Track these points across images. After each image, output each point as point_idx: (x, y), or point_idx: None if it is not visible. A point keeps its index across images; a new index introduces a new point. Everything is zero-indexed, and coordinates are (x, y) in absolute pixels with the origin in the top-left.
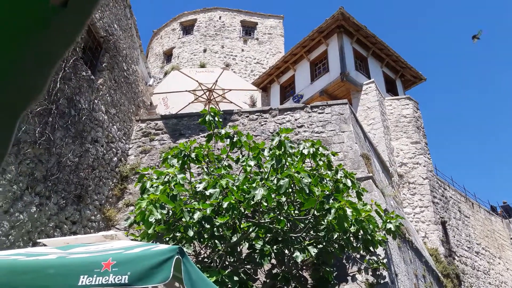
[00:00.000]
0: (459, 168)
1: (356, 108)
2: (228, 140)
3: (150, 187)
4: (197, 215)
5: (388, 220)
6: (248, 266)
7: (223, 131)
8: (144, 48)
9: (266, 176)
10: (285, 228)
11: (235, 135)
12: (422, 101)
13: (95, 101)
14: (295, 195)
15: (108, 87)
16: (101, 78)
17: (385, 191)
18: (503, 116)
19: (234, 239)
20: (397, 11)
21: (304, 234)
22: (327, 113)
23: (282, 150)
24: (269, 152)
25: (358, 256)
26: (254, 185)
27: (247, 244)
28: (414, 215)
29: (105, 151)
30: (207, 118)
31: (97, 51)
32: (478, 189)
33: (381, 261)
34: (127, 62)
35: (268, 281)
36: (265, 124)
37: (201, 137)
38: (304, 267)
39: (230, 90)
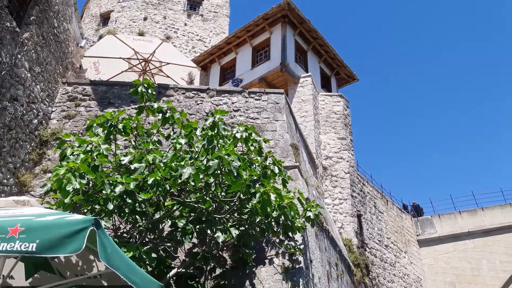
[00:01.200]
0: (379, 167)
1: (291, 99)
2: (161, 115)
3: (70, 155)
4: (119, 189)
5: (308, 209)
6: (169, 244)
7: (155, 105)
8: (80, 7)
9: (196, 156)
10: (210, 208)
11: (168, 111)
12: (352, 100)
13: (18, 56)
14: (223, 177)
15: (34, 42)
16: (27, 32)
17: (309, 181)
18: (424, 120)
19: (157, 216)
20: (342, 10)
21: (228, 216)
22: (263, 101)
23: (215, 131)
24: (201, 132)
25: (277, 240)
26: (182, 163)
27: (169, 222)
28: (333, 206)
29: (24, 111)
30: (139, 89)
31: (26, 2)
32: (393, 188)
33: (298, 246)
34: (58, 18)
35: (187, 259)
36: (201, 103)
37: (132, 108)
38: (225, 248)
39: (168, 63)
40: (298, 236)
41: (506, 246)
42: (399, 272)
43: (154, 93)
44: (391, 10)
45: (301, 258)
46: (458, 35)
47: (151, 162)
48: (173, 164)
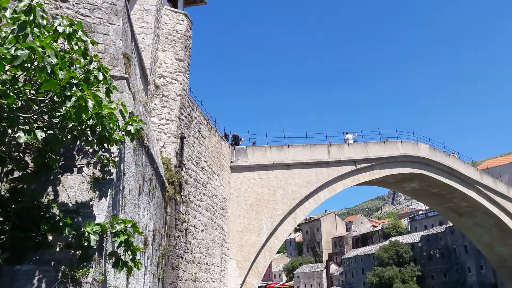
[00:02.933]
0: (210, 96)
1: (132, 5)
2: None
3: None
4: None
5: (130, 123)
6: None
7: None
8: None
9: (1, 42)
10: (14, 106)
11: None
12: (197, 23)
13: None
14: (36, 73)
15: None
16: None
17: (137, 96)
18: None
19: None
20: None
21: (36, 117)
22: None
23: (31, 17)
24: (12, 14)
25: (90, 150)
26: None
27: None
28: (159, 126)
29: None
30: None
31: None
32: (219, 117)
33: (113, 159)
34: None
35: None
36: None
37: None
38: (28, 151)
39: None
40: (114, 148)
41: (299, 179)
42: (209, 192)
43: None
44: None
45: (113, 170)
46: None
47: None
48: None
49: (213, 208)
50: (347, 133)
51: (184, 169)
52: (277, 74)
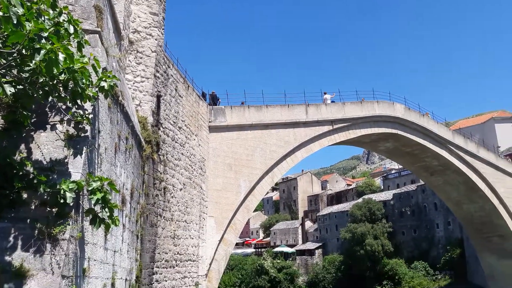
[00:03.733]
0: (188, 53)
1: None
2: None
3: None
4: None
5: (103, 78)
6: None
7: None
8: None
9: None
10: None
11: None
12: None
13: None
14: (1, 25)
15: None
16: None
17: (110, 51)
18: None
19: None
20: None
21: (4, 71)
22: None
23: None
24: None
25: (63, 107)
26: None
27: None
28: (134, 83)
29: None
30: None
31: None
32: (197, 75)
33: (87, 115)
34: None
35: None
36: None
37: None
38: None
39: None
40: (88, 105)
41: (277, 139)
42: (187, 152)
43: None
44: None
45: (88, 128)
46: None
47: None
48: None
49: (192, 167)
50: (325, 93)
51: (161, 128)
52: (255, 33)
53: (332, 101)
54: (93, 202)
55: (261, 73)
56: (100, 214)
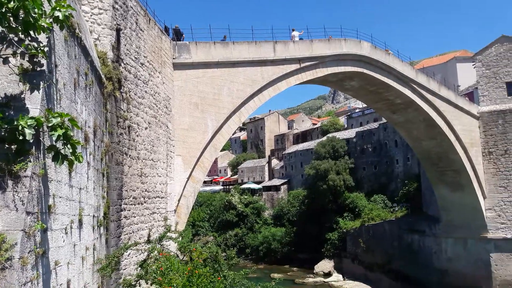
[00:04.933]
0: None
1: None
2: None
3: None
4: None
5: (57, 8)
6: None
7: None
8: None
9: None
10: None
11: None
12: None
13: None
14: None
15: None
16: None
17: None
18: None
19: None
20: None
21: None
22: None
23: None
24: None
25: (16, 38)
26: None
27: None
28: (91, 15)
29: None
30: None
31: None
32: (158, 8)
33: (42, 48)
34: None
35: None
36: None
37: None
38: None
39: None
40: (42, 37)
41: (244, 78)
42: (151, 90)
43: None
44: None
45: (44, 61)
46: None
47: None
48: None
49: (156, 106)
50: (293, 30)
51: (122, 64)
52: None
53: (300, 38)
54: (54, 138)
55: (226, 6)
56: (62, 151)
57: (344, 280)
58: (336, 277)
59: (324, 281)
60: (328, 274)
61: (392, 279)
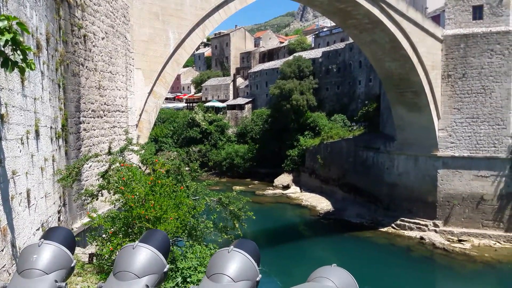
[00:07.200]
0: None
1: None
2: None
3: None
4: None
5: None
6: None
7: None
8: None
9: None
10: None
11: None
12: None
13: None
14: None
15: None
16: None
17: None
18: None
19: None
20: None
21: None
22: None
23: None
24: None
25: None
26: None
27: None
28: None
29: None
30: None
31: None
32: None
33: None
34: None
35: None
36: None
37: None
38: None
39: None
40: None
41: None
42: None
43: None
44: None
45: None
46: None
47: None
48: None
49: (114, 14)
50: None
51: None
52: None
53: None
54: (1, 43)
55: None
56: (12, 57)
57: (301, 192)
58: (294, 189)
59: (282, 193)
60: (286, 187)
61: (346, 191)
